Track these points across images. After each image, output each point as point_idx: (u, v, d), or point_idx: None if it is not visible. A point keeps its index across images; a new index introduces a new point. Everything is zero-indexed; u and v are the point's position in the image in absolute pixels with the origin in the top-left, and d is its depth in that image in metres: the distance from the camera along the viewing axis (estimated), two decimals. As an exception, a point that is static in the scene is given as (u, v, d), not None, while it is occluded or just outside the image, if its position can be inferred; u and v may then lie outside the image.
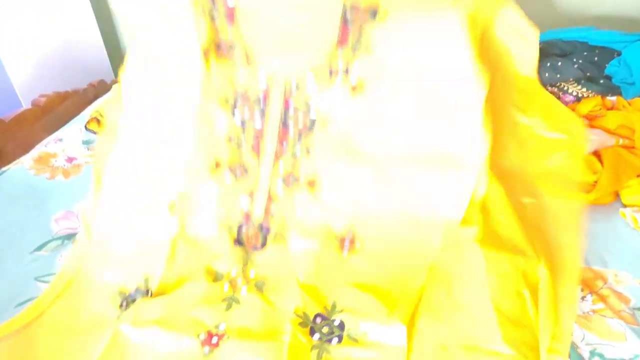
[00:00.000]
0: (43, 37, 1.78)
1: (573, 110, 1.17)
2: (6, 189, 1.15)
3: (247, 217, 0.91)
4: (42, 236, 1.01)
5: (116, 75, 2.09)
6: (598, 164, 1.04)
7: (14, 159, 1.27)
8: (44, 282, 0.91)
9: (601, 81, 1.19)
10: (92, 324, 0.80)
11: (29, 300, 0.87)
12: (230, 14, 0.87)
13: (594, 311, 0.79)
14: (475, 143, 0.84)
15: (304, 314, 0.78)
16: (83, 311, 0.82)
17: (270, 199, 0.91)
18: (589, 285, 0.84)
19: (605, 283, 0.84)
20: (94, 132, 1.38)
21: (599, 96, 1.19)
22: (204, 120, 0.91)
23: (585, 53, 1.22)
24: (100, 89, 1.65)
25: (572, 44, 1.25)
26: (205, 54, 0.88)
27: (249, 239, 0.90)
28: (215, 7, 0.87)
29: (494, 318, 0.73)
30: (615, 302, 0.80)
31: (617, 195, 1.03)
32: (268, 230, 0.91)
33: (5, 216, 1.06)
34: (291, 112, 0.90)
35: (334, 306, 0.80)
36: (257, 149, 0.91)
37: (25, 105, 1.60)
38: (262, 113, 0.90)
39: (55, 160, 1.26)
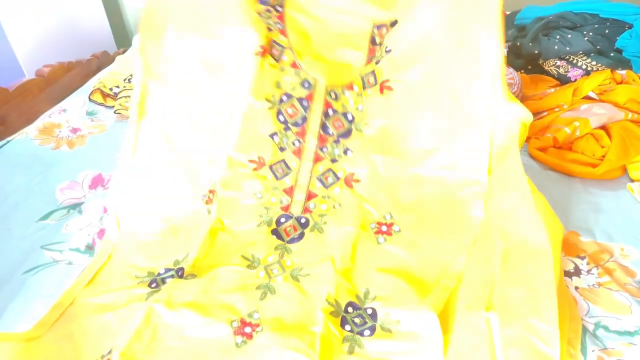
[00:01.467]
0: (46, 8, 1.76)
1: (582, 83, 1.16)
2: (11, 158, 1.15)
3: (286, 210, 0.94)
4: (48, 205, 1.02)
5: (119, 46, 2.07)
6: (607, 138, 1.03)
7: (18, 129, 1.27)
8: (49, 250, 0.91)
9: (611, 54, 1.17)
10: (123, 302, 0.79)
11: (36, 268, 0.88)
12: (283, 30, 0.99)
13: (599, 284, 0.79)
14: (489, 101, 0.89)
15: (336, 302, 0.77)
16: (114, 291, 0.81)
17: (309, 196, 0.95)
18: (595, 258, 0.84)
19: (612, 256, 0.84)
20: (98, 103, 1.37)
21: (609, 70, 1.17)
22: (250, 119, 0.96)
23: (596, 25, 1.19)
24: (103, 60, 1.64)
25: (582, 16, 1.22)
26: (260, 56, 0.95)
27: (286, 230, 0.91)
28: (272, 18, 0.98)
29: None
30: (621, 275, 0.80)
31: (624, 169, 1.02)
32: (307, 223, 0.92)
33: (11, 185, 1.07)
34: (331, 114, 0.98)
35: (366, 293, 0.79)
36: (298, 152, 0.97)
37: (29, 75, 1.59)
38: (305, 118, 0.98)
39: (60, 131, 1.26)
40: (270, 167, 0.97)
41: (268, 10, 0.99)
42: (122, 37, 2.27)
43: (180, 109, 0.99)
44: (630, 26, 1.16)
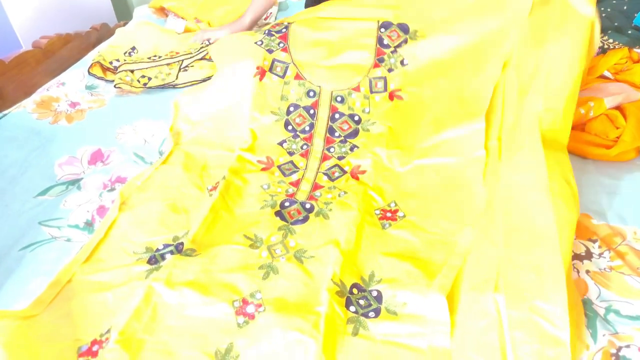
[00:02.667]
0: (43, -23, 1.71)
1: (598, 62, 1.12)
2: (8, 132, 1.13)
3: (292, 196, 0.94)
4: (46, 181, 1.00)
5: (119, 19, 2.02)
6: (622, 119, 1.00)
7: (15, 102, 1.24)
8: (47, 226, 0.89)
9: (629, 32, 1.13)
10: (123, 281, 0.77)
11: (33, 244, 0.86)
12: (285, 48, 1.11)
13: (611, 268, 0.77)
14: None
15: (341, 282, 0.75)
16: (112, 269, 0.80)
17: (315, 187, 0.96)
18: (607, 241, 0.81)
19: (624, 240, 0.81)
20: (97, 77, 1.34)
21: (626, 48, 1.13)
22: (260, 131, 1.06)
23: (614, 1, 1.15)
24: (103, 32, 1.60)
25: (600, -9, 1.18)
26: (258, 76, 1.09)
27: (290, 213, 0.90)
28: (272, 39, 1.12)
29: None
30: (633, 259, 0.78)
31: (639, 151, 0.99)
32: (312, 208, 0.91)
33: (8, 160, 1.04)
34: (337, 117, 1.05)
35: (371, 276, 0.78)
36: (305, 154, 1.03)
37: (25, 46, 1.55)
38: (312, 125, 1.05)
39: (58, 105, 1.23)
40: (279, 167, 1.01)
41: (270, 34, 1.12)
42: (123, 9, 2.22)
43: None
44: (650, 2, 1.12)
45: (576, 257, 0.80)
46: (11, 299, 0.76)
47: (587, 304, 0.72)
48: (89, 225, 0.90)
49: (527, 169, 0.82)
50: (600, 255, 0.80)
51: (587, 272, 0.77)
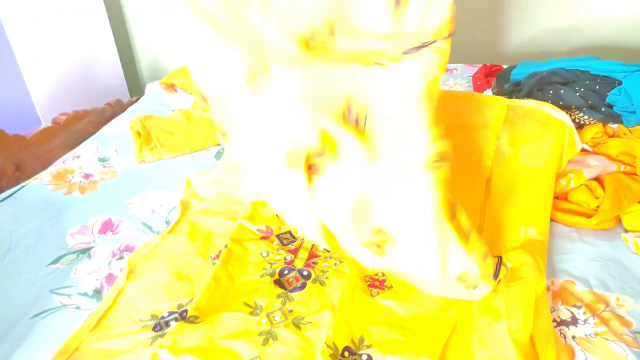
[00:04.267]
0: (63, 57, 1.85)
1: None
2: (25, 203, 1.19)
3: (290, 264, 0.98)
4: (58, 250, 1.05)
5: (132, 95, 2.15)
6: (600, 190, 1.07)
7: (33, 174, 1.31)
8: (59, 294, 0.94)
9: (603, 109, 1.22)
10: (128, 348, 0.81)
11: (44, 312, 0.90)
12: None
13: (596, 334, 0.81)
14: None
15: (334, 344, 0.79)
16: (119, 336, 0.84)
17: (312, 255, 1.01)
18: (591, 308, 0.85)
19: (607, 306, 0.85)
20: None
21: (601, 124, 1.21)
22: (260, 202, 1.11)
23: (587, 82, 1.25)
24: (117, 108, 1.70)
25: (574, 73, 1.29)
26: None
27: (289, 280, 0.95)
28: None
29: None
30: (617, 325, 0.82)
31: (619, 220, 1.05)
32: (309, 275, 0.96)
33: (23, 229, 1.10)
34: None
35: (361, 340, 0.81)
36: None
37: (45, 122, 1.65)
38: None
39: (73, 177, 1.30)
40: (277, 236, 1.06)
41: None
42: (135, 85, 2.36)
43: None
44: (620, 83, 1.22)
45: (562, 322, 0.83)
46: (22, 366, 0.79)
47: (574, 370, 0.75)
48: (98, 293, 0.94)
49: None
50: (585, 321, 0.83)
51: (574, 337, 0.80)
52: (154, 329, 0.85)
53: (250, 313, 0.86)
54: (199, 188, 1.19)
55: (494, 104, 1.19)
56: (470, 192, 1.09)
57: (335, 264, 0.97)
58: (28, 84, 1.70)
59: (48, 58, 1.79)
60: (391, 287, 0.93)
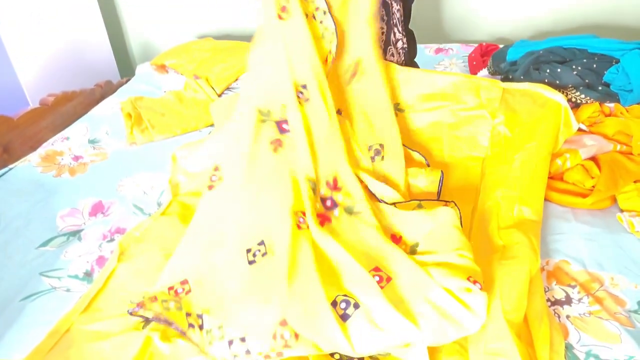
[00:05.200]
0: (51, 38, 1.81)
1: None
2: (13, 185, 1.17)
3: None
4: (48, 232, 1.03)
5: (122, 75, 2.12)
6: (596, 169, 1.06)
7: (22, 156, 1.29)
8: (49, 277, 0.93)
9: (600, 88, 1.20)
10: (119, 330, 0.80)
11: (34, 294, 0.89)
12: None
13: (590, 313, 0.80)
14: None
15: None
16: (110, 318, 0.83)
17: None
18: (586, 287, 0.85)
19: (602, 286, 0.85)
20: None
21: (598, 103, 1.20)
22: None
23: (584, 60, 1.23)
24: (106, 89, 1.68)
25: (571, 51, 1.26)
26: None
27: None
28: None
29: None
30: (611, 304, 0.81)
31: (614, 199, 1.04)
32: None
33: (12, 212, 1.08)
34: None
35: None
36: None
37: (33, 103, 1.62)
38: None
39: (62, 159, 1.28)
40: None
41: None
42: (126, 66, 2.32)
43: None
44: (617, 61, 1.20)
45: (557, 302, 0.83)
46: (11, 349, 0.78)
47: (568, 348, 0.75)
48: (88, 275, 0.93)
49: None
50: (579, 300, 0.83)
51: (568, 317, 0.80)
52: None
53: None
54: (188, 164, 1.17)
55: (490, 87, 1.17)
56: (467, 173, 1.08)
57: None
58: (15, 65, 1.66)
59: (36, 39, 1.74)
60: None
